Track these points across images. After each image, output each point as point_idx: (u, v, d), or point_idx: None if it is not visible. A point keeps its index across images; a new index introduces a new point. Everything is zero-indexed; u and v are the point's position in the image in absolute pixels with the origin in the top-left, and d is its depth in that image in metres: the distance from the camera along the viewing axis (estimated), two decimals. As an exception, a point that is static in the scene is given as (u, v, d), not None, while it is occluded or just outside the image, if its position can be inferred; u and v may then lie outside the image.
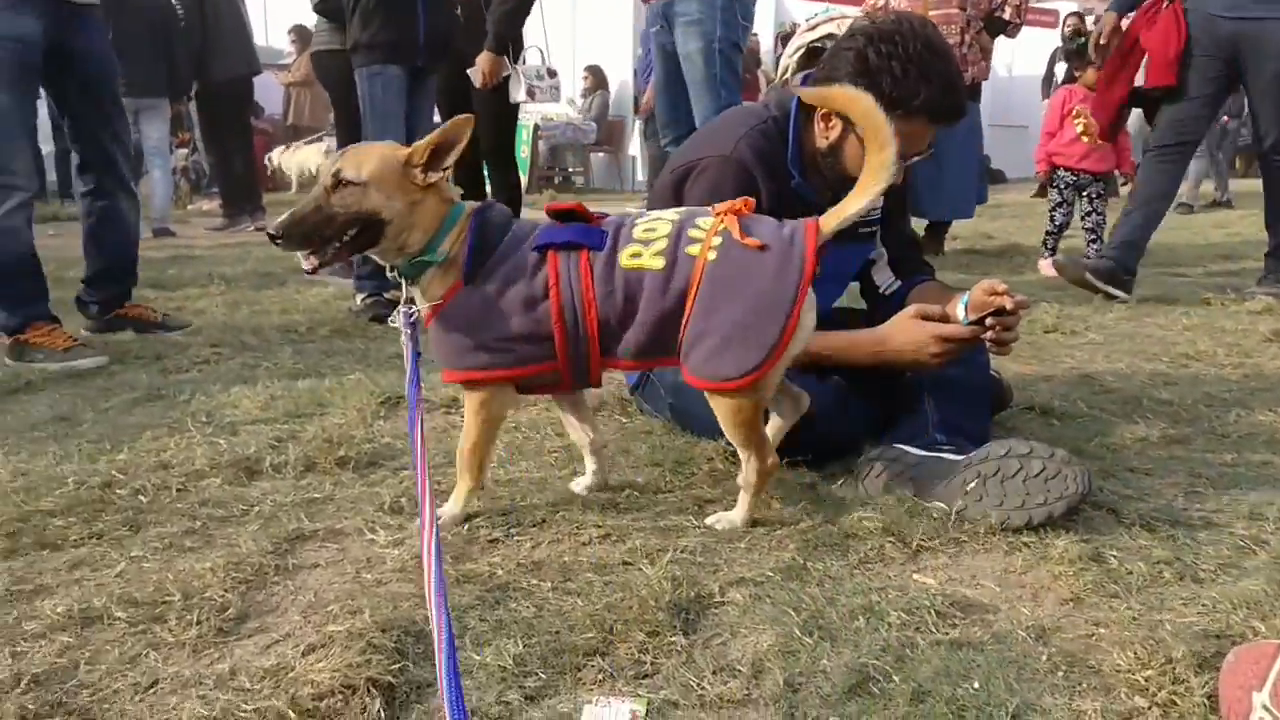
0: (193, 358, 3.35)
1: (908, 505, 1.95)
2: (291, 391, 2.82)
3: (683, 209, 1.92)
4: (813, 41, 5.61)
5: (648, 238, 1.83)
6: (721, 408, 1.83)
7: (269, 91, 12.07)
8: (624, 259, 1.81)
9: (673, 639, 1.48)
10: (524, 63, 4.95)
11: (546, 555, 1.78)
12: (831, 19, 5.73)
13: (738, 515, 1.92)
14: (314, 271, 1.83)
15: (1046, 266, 5.38)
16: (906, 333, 2.15)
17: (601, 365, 1.90)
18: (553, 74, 5.34)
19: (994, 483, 1.89)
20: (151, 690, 1.37)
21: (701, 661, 1.42)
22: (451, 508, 1.94)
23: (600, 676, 1.39)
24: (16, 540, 1.85)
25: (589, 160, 14.37)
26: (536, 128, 12.77)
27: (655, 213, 1.91)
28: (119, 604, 1.58)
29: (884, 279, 2.57)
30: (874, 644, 1.46)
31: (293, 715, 1.28)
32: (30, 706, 1.32)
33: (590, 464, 2.12)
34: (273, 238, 1.77)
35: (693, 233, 1.81)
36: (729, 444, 2.26)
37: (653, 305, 1.80)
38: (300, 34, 11.82)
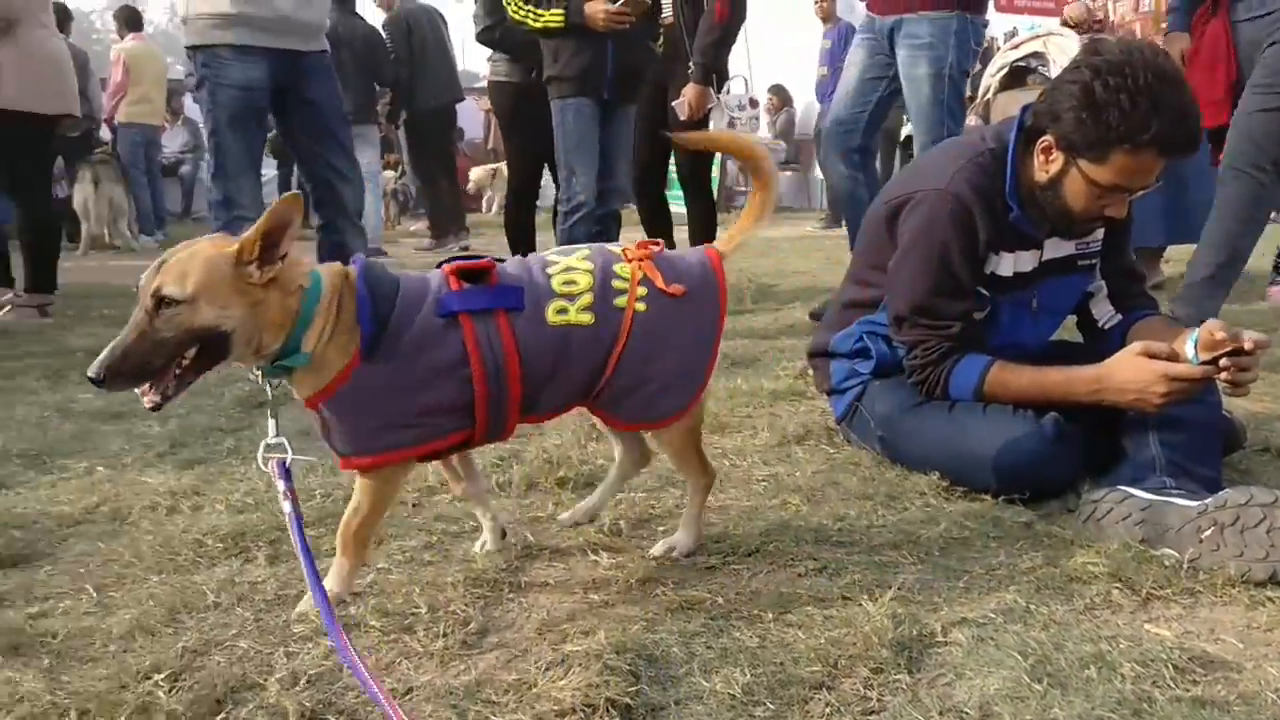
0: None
1: (1134, 551, 1.89)
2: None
3: (586, 249, 1.88)
4: (1016, 60, 5.49)
5: (570, 291, 1.77)
6: (664, 439, 1.95)
7: (468, 115, 12.69)
8: (550, 316, 1.75)
9: (897, 677, 1.49)
10: (728, 92, 5.03)
11: (764, 585, 1.83)
12: (1037, 36, 5.58)
13: (686, 538, 2.00)
14: (157, 408, 1.57)
15: (1277, 294, 5.03)
16: (1130, 370, 2.08)
17: (517, 422, 1.85)
18: (754, 104, 5.40)
19: (1233, 532, 1.80)
20: (408, 696, 1.49)
21: (928, 701, 1.43)
22: (334, 585, 1.75)
23: (827, 710, 1.42)
24: (277, 547, 2.04)
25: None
26: (728, 148, 12.89)
27: (562, 259, 1.84)
28: (373, 614, 1.73)
29: (1103, 313, 2.50)
30: (1108, 696, 1.42)
31: (536, 729, 1.37)
32: (306, 704, 1.45)
33: (484, 519, 2.03)
34: (94, 381, 1.50)
35: (616, 284, 1.80)
36: (942, 477, 2.23)
37: (584, 360, 1.78)
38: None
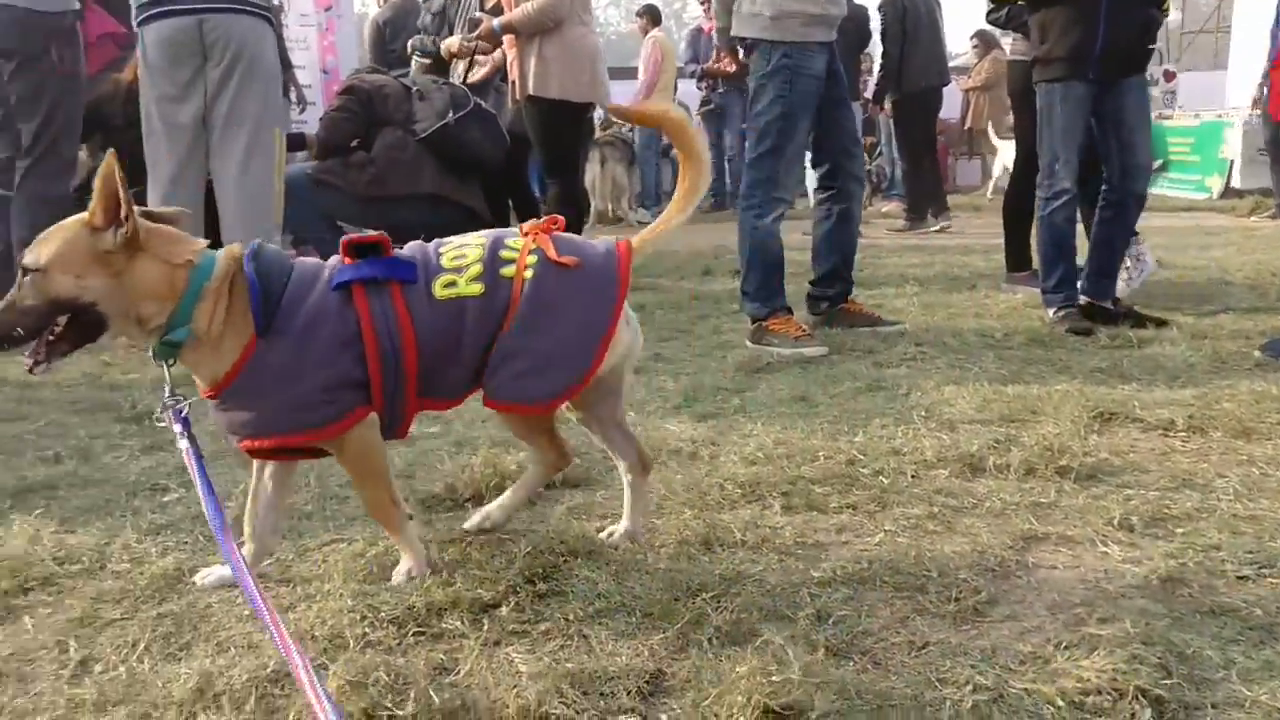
0: (900, 354, 3.66)
1: None
2: (1002, 396, 2.95)
3: (487, 231, 1.83)
4: None
5: (459, 264, 1.73)
6: (515, 422, 1.90)
7: (946, 96, 12.45)
8: (438, 290, 1.71)
9: None
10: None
11: (1310, 604, 1.68)
12: None
13: (500, 513, 2.05)
14: (34, 370, 1.64)
15: None
16: None
17: (418, 407, 1.80)
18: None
19: None
20: (924, 650, 1.58)
21: None
22: (410, 562, 1.84)
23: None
24: (790, 499, 2.23)
25: None
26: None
27: (457, 239, 1.81)
28: (886, 570, 1.84)
29: None
30: None
31: (1059, 703, 1.39)
32: (830, 641, 1.60)
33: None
34: None
35: (505, 254, 1.75)
36: None
37: (476, 334, 1.73)
38: (983, 39, 12.05)
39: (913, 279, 5.41)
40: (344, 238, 1.75)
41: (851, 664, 1.54)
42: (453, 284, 1.72)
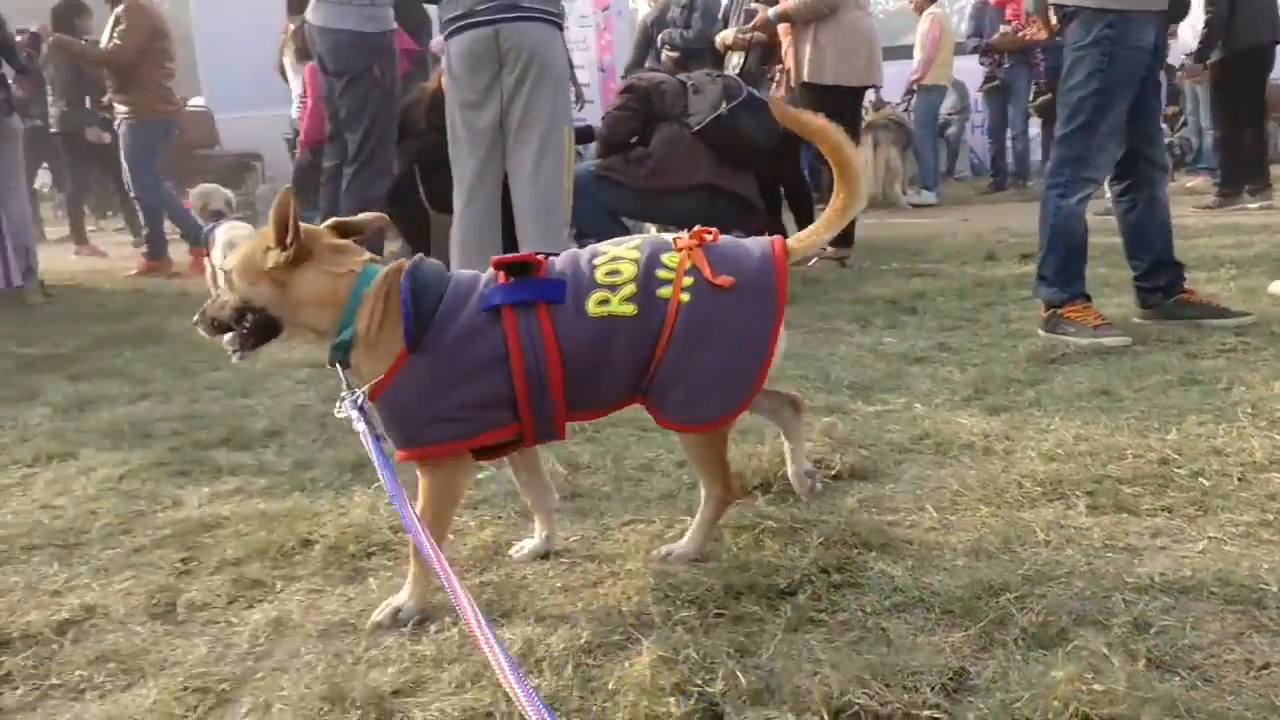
0: (1217, 345, 3.35)
1: None
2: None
3: (637, 240, 1.82)
4: None
5: (612, 281, 1.73)
6: (692, 444, 1.88)
7: None
8: (590, 306, 1.72)
9: None
10: None
11: None
12: None
13: (690, 546, 1.92)
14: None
15: None
16: None
17: (566, 419, 1.82)
18: None
19: None
20: (1265, 671, 1.46)
21: None
22: (407, 599, 1.79)
23: None
24: (1096, 499, 2.11)
25: None
26: None
27: (610, 249, 1.80)
28: (1213, 580, 1.71)
29: None
30: None
31: None
32: (1153, 652, 1.50)
33: (540, 529, 2.03)
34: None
35: (660, 273, 1.73)
36: None
37: (628, 354, 1.73)
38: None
39: (1228, 261, 4.92)
40: (494, 258, 1.81)
41: (1178, 679, 1.44)
42: (606, 301, 1.73)
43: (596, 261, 1.78)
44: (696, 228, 1.82)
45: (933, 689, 1.44)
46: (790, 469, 2.14)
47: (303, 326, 1.81)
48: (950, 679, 1.47)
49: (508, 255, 1.82)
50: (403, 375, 1.72)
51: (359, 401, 1.75)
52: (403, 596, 1.80)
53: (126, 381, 3.86)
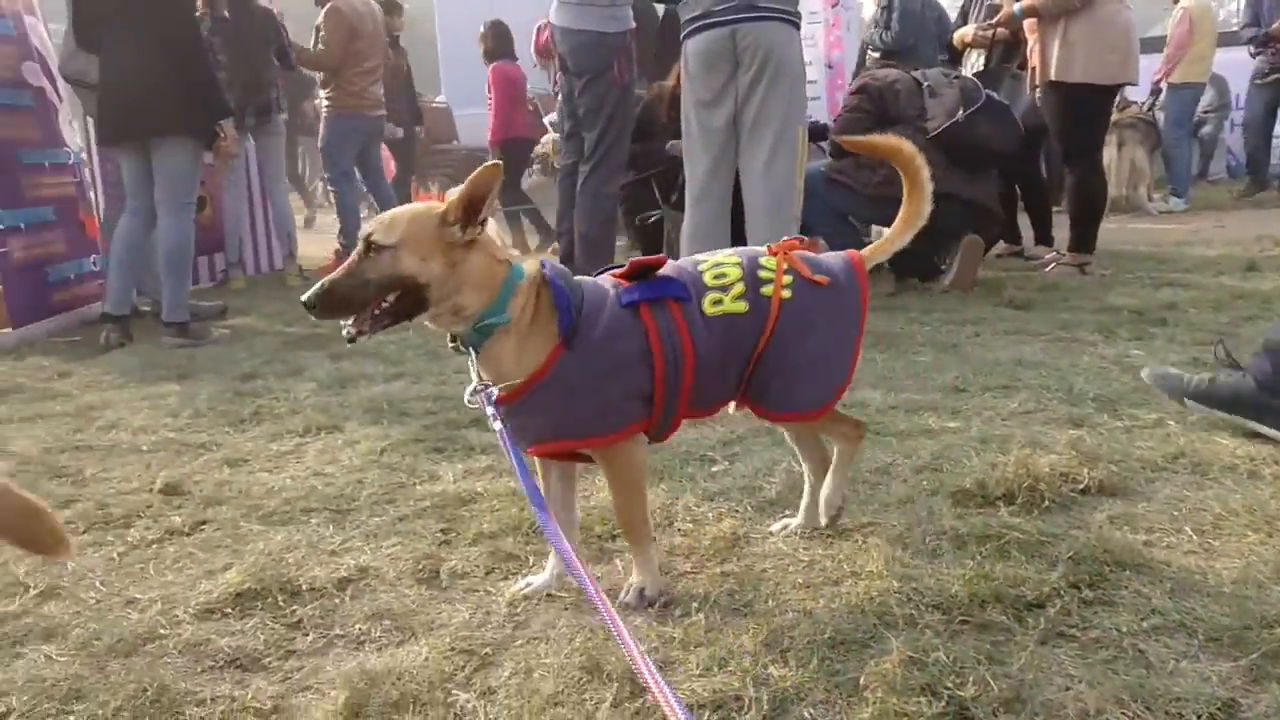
0: None
1: None
2: None
3: (734, 250, 1.96)
4: None
5: (722, 283, 1.84)
6: (798, 429, 2.05)
7: None
8: (708, 306, 1.82)
9: None
10: None
11: None
12: None
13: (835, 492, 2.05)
14: (354, 340, 1.75)
15: None
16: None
17: (683, 418, 1.90)
18: None
19: None
20: None
21: None
22: (645, 579, 1.87)
23: None
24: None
25: None
26: None
27: (708, 257, 1.92)
28: None
29: None
30: None
31: None
32: None
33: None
34: (306, 306, 1.72)
35: (762, 274, 1.85)
36: None
37: (741, 349, 1.84)
38: None
39: None
40: (632, 259, 1.88)
41: None
42: (719, 301, 1.83)
43: (701, 267, 1.89)
44: (788, 237, 1.97)
45: (1199, 717, 1.38)
46: (825, 490, 2.09)
47: (452, 307, 1.75)
48: (1219, 709, 1.41)
49: (643, 258, 1.88)
50: (561, 369, 1.76)
51: (493, 396, 1.75)
52: (641, 578, 1.88)
53: (381, 362, 4.18)
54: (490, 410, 1.74)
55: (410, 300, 1.74)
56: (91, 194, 5.95)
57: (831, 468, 2.08)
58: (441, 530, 2.29)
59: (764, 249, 1.94)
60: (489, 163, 1.74)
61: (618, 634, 1.31)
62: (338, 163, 7.31)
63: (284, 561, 2.14)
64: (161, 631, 1.87)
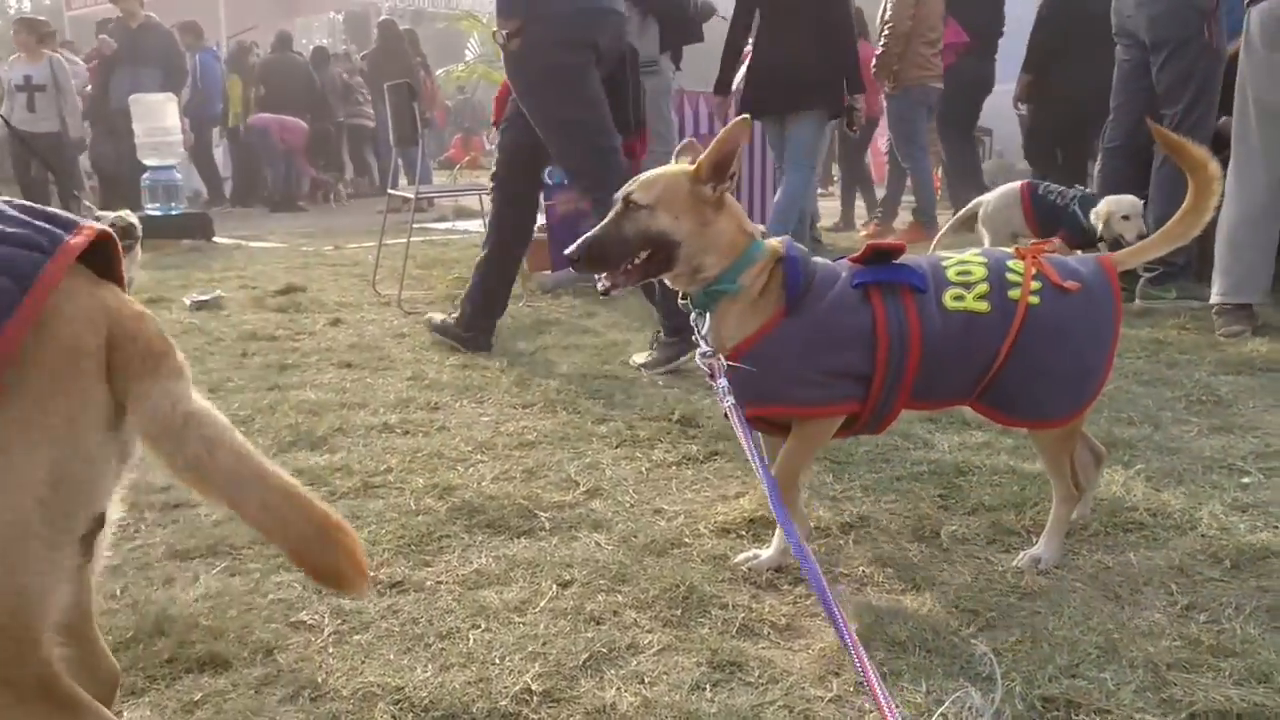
0: None
1: None
2: None
3: (979, 251, 1.92)
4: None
5: (966, 280, 1.81)
6: (1047, 442, 1.92)
7: None
8: (948, 301, 1.80)
9: None
10: None
11: None
12: None
13: (1051, 549, 1.93)
14: (608, 292, 1.90)
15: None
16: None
17: (904, 407, 1.88)
18: None
19: None
20: None
21: None
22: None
23: None
24: None
25: None
26: None
27: (954, 255, 1.90)
28: None
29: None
30: None
31: None
32: None
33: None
34: (571, 260, 1.86)
35: (1010, 276, 1.81)
36: None
37: (979, 349, 1.80)
38: None
39: None
40: (869, 242, 1.89)
41: None
42: (960, 298, 1.80)
43: (945, 262, 1.87)
44: (1033, 241, 1.95)
45: None
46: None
47: (694, 268, 1.84)
48: None
49: (883, 241, 1.90)
50: (779, 331, 1.81)
51: (724, 369, 1.77)
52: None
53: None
54: (719, 380, 1.77)
55: (662, 257, 1.85)
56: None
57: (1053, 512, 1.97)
58: (940, 495, 2.32)
59: (1011, 250, 1.91)
60: (737, 118, 1.83)
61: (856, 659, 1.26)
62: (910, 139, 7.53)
63: (790, 499, 2.31)
64: (686, 540, 2.11)
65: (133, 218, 4.89)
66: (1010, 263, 1.85)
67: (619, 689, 1.55)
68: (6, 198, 1.11)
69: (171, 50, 10.03)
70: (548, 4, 3.64)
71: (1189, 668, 1.54)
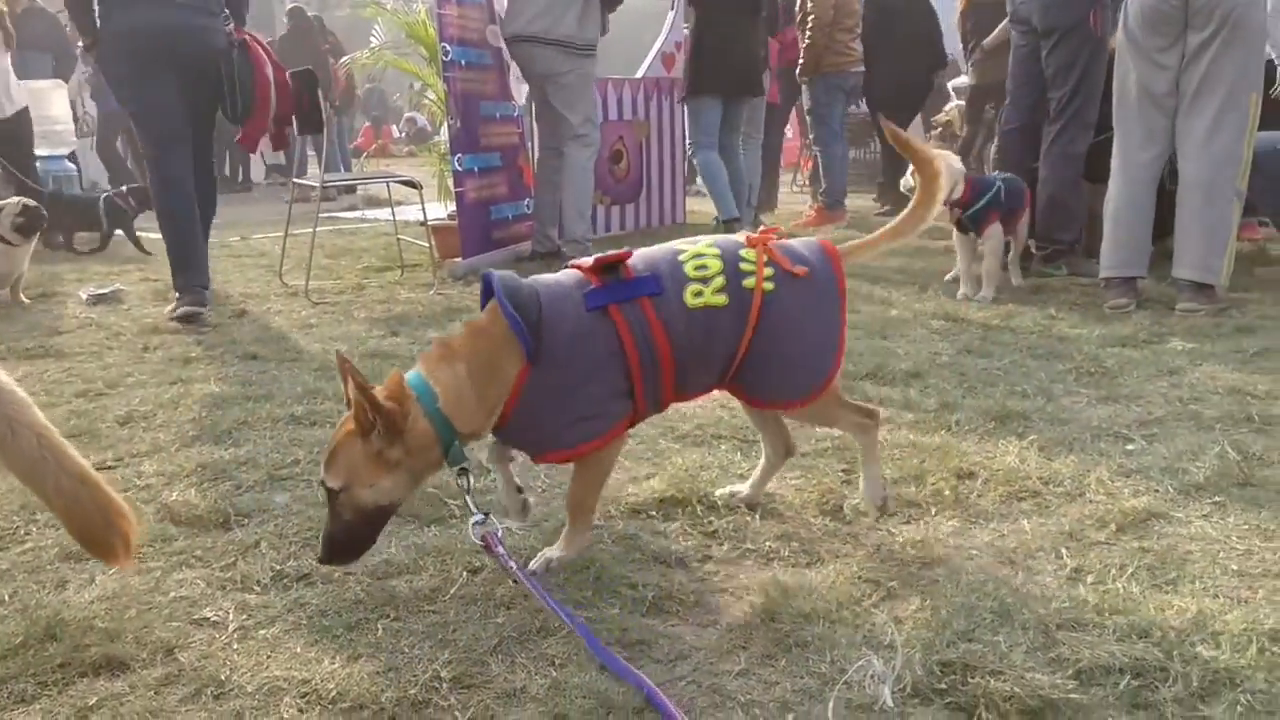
0: None
1: None
2: None
3: (710, 240, 1.95)
4: None
5: (703, 275, 1.85)
6: (808, 415, 2.10)
7: None
8: (689, 298, 1.83)
9: None
10: None
11: None
12: None
13: (873, 490, 2.06)
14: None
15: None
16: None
17: (671, 401, 1.94)
18: None
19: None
20: None
21: None
22: (568, 551, 1.92)
23: None
24: None
25: None
26: None
27: (686, 247, 1.92)
28: None
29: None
30: None
31: None
32: None
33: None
34: (322, 564, 1.86)
35: (743, 265, 1.86)
36: None
37: (724, 340, 1.86)
38: None
39: None
40: (596, 256, 1.88)
41: None
42: (700, 294, 1.84)
43: (681, 257, 1.89)
44: (764, 226, 2.05)
45: None
46: (864, 484, 2.10)
47: (420, 475, 1.80)
48: None
49: (603, 255, 1.87)
50: (529, 389, 1.78)
51: (499, 534, 1.84)
52: (562, 553, 1.91)
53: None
54: (500, 550, 1.80)
55: (398, 504, 1.79)
56: (529, 144, 6.60)
57: (862, 462, 2.09)
58: (843, 470, 2.38)
59: (742, 237, 1.95)
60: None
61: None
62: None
63: (699, 478, 2.33)
64: (597, 523, 2.12)
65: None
66: (743, 251, 1.90)
67: (529, 672, 1.56)
68: None
69: (60, 35, 9.63)
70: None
71: (1076, 627, 1.61)
